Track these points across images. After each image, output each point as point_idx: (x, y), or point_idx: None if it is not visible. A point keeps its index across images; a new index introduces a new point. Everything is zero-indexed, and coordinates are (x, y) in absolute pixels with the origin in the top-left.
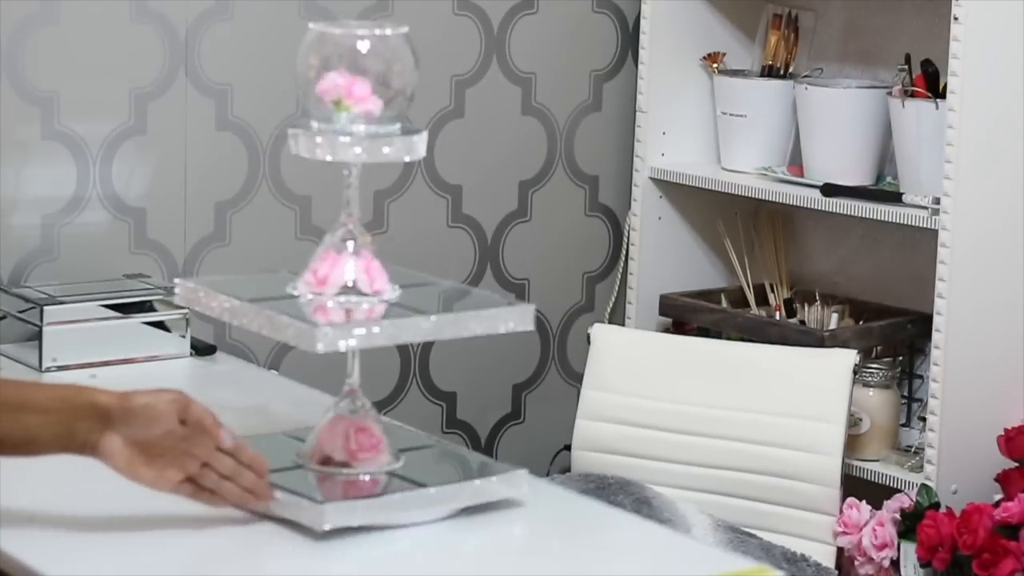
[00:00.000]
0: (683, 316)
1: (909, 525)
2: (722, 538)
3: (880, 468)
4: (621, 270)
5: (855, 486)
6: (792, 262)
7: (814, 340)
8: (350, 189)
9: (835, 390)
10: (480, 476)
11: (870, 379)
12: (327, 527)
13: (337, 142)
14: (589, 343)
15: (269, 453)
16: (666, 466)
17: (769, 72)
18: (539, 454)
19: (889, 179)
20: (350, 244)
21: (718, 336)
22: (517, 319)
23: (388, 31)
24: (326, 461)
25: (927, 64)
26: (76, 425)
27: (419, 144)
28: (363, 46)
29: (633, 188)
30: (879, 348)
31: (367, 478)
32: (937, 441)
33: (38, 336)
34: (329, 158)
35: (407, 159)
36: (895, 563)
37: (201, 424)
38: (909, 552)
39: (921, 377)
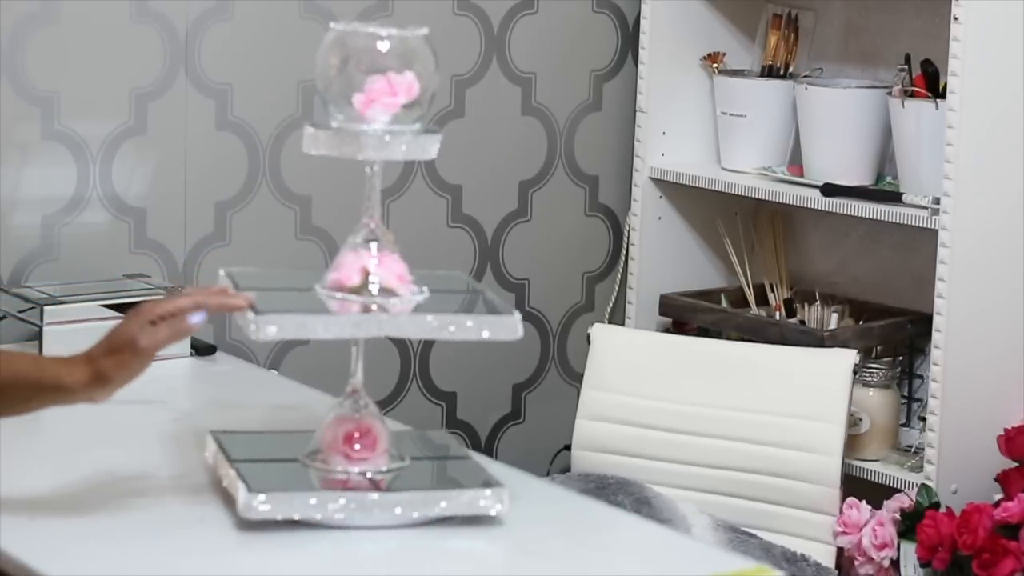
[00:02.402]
0: (683, 316)
1: (909, 525)
2: (722, 538)
3: (880, 468)
4: (621, 270)
5: (855, 486)
6: (792, 262)
7: (814, 340)
8: (372, 188)
9: (835, 390)
10: (457, 488)
11: (870, 379)
12: (252, 517)
13: (357, 140)
14: (589, 343)
15: (269, 454)
16: (666, 466)
17: (769, 72)
18: (539, 454)
19: (889, 179)
20: (374, 244)
21: (718, 336)
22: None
23: (408, 32)
24: (329, 460)
25: (927, 64)
26: (61, 404)
27: (435, 143)
28: (383, 47)
29: (633, 188)
30: (879, 348)
31: (370, 477)
32: (937, 441)
33: (38, 336)
34: (347, 156)
35: (426, 157)
36: (895, 563)
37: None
38: (909, 552)
39: (921, 377)
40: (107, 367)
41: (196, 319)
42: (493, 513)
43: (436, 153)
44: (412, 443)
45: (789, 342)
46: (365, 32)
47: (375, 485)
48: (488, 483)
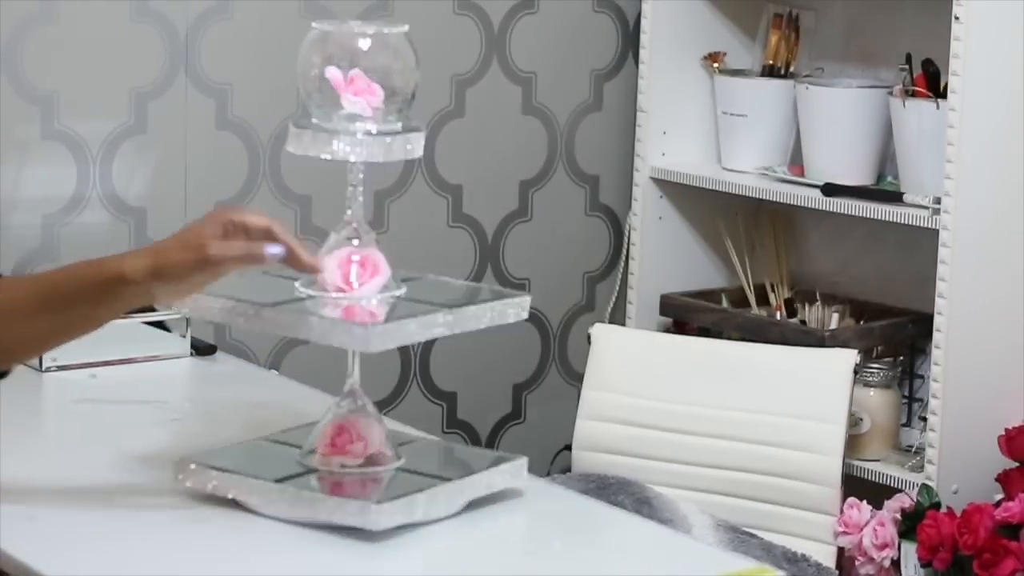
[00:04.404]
0: (683, 316)
1: (910, 525)
2: (723, 538)
3: (881, 468)
4: (621, 270)
5: (856, 486)
6: (793, 262)
7: (815, 340)
8: (354, 187)
9: (836, 390)
10: (486, 466)
11: (871, 379)
12: (382, 527)
13: (334, 139)
14: (589, 343)
15: (267, 456)
16: (667, 466)
17: (770, 72)
18: (539, 454)
19: (890, 179)
20: (355, 242)
21: (719, 336)
22: (520, 309)
23: (389, 30)
24: (325, 460)
25: (928, 64)
26: (128, 301)
27: (418, 143)
28: (364, 44)
29: (633, 188)
30: (880, 348)
31: (374, 476)
32: (938, 441)
33: None
34: (325, 156)
35: (406, 157)
36: (896, 563)
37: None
38: (910, 552)
39: (922, 377)
40: (167, 264)
41: (274, 251)
42: (517, 485)
43: (419, 152)
44: (436, 455)
45: (790, 342)
46: (346, 31)
47: (370, 483)
48: (501, 459)
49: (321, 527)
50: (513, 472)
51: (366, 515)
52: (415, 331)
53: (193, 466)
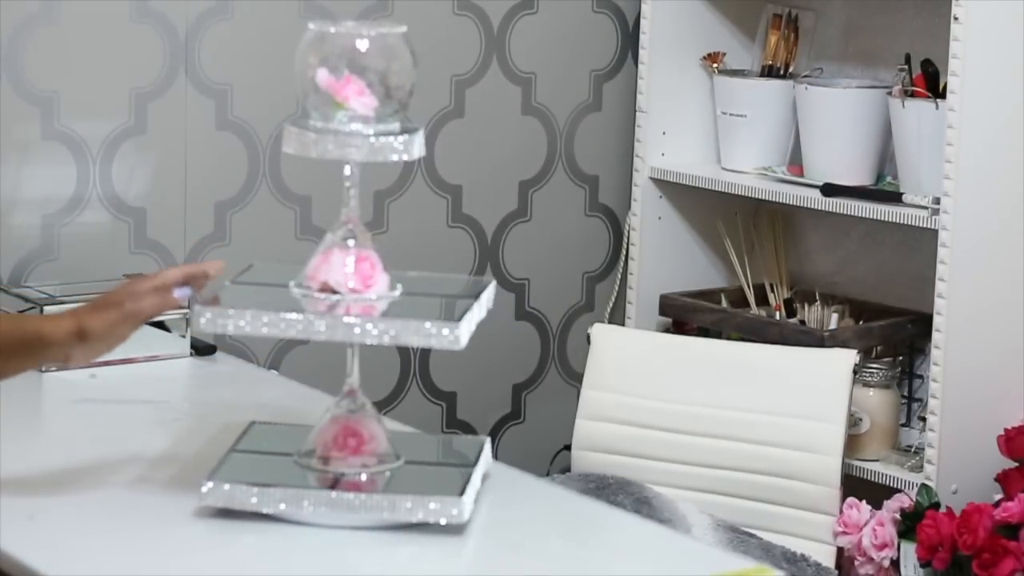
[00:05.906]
0: (683, 316)
1: (909, 525)
2: (722, 538)
3: (880, 468)
4: (621, 270)
5: (855, 486)
6: (792, 262)
7: (814, 340)
8: (350, 187)
9: (835, 390)
10: (480, 446)
11: (870, 379)
12: (465, 519)
13: (329, 140)
14: (589, 343)
15: (264, 465)
16: (666, 466)
17: (769, 72)
18: (539, 454)
19: (889, 179)
20: (351, 242)
21: (718, 336)
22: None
23: (386, 30)
24: (323, 460)
25: (927, 64)
26: (44, 359)
27: (415, 143)
28: (362, 45)
29: (633, 188)
30: (879, 348)
31: (368, 476)
32: (937, 441)
33: None
34: (320, 156)
35: (403, 158)
36: (895, 563)
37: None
38: (909, 552)
39: (921, 377)
40: (90, 322)
41: (181, 293)
42: (442, 522)
43: (415, 153)
44: (426, 447)
45: (789, 342)
46: (342, 31)
47: (360, 485)
48: (439, 492)
49: (316, 528)
50: (441, 508)
51: (458, 508)
52: (475, 318)
53: (227, 486)
